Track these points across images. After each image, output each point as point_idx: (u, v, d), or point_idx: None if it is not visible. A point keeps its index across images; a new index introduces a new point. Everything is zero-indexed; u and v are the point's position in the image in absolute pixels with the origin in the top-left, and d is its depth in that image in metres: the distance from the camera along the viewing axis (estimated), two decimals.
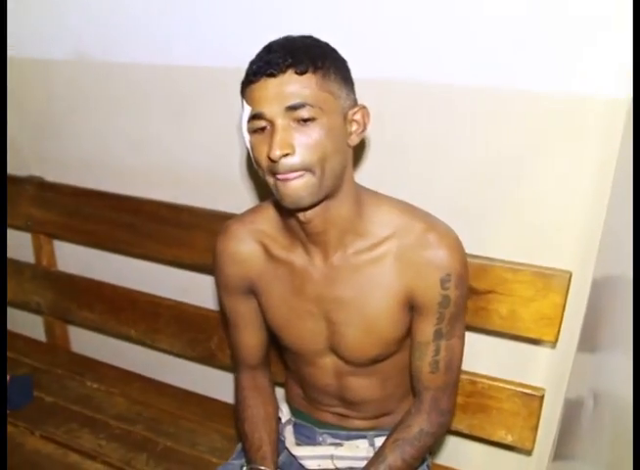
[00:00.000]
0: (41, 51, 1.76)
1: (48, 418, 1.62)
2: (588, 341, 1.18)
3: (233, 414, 1.47)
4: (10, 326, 2.01)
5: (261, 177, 0.97)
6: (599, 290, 1.15)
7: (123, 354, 1.92)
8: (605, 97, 1.15)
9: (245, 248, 1.13)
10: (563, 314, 1.22)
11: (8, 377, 1.67)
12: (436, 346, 1.06)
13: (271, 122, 0.90)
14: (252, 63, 0.93)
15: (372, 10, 1.29)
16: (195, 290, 1.70)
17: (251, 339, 1.22)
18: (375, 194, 1.07)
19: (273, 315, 1.15)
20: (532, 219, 1.28)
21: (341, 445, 1.21)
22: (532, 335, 1.26)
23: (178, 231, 1.59)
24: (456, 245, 1.03)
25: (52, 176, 1.86)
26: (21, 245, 1.96)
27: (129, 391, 1.75)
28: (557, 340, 1.25)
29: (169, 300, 1.70)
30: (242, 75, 1.38)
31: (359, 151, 1.38)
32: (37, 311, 2.00)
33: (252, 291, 1.17)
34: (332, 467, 1.19)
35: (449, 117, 1.29)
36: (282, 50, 0.91)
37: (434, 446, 1.41)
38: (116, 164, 1.75)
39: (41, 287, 1.93)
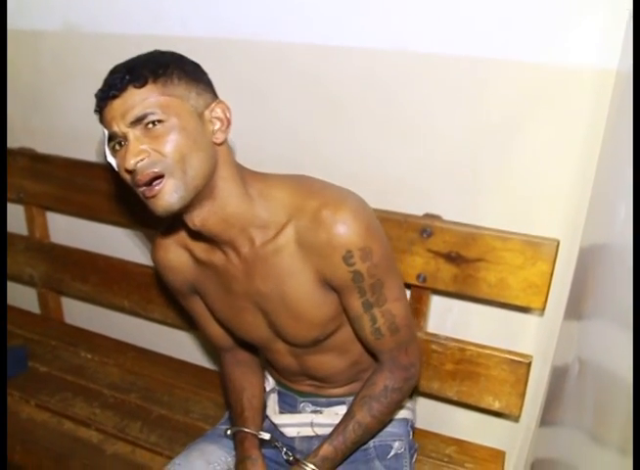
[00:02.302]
0: (29, 23, 1.74)
1: (42, 387, 1.63)
2: (575, 308, 1.20)
3: None
4: None
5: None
6: (586, 258, 1.16)
7: (117, 325, 1.94)
8: (593, 68, 1.15)
9: (173, 256, 1.16)
10: (550, 282, 1.23)
11: None
12: (370, 315, 1.06)
13: (124, 137, 0.92)
14: (98, 92, 0.95)
15: None
16: None
17: (216, 330, 1.27)
18: (264, 178, 1.05)
19: (216, 313, 1.19)
20: (521, 189, 1.28)
21: (320, 412, 1.24)
22: (520, 303, 1.27)
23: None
24: (351, 218, 0.98)
25: (42, 148, 1.85)
26: (13, 217, 1.96)
27: (123, 361, 1.77)
28: (544, 307, 1.27)
29: None
30: (230, 46, 1.38)
31: (346, 122, 1.39)
32: (31, 283, 2.01)
33: (196, 292, 1.20)
34: (312, 434, 1.22)
35: (438, 87, 1.29)
36: (122, 70, 0.94)
37: (422, 409, 1.44)
38: None
39: (34, 259, 1.94)
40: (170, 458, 1.22)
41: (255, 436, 1.19)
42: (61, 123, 1.82)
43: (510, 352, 1.32)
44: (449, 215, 1.31)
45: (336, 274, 1.02)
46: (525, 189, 1.28)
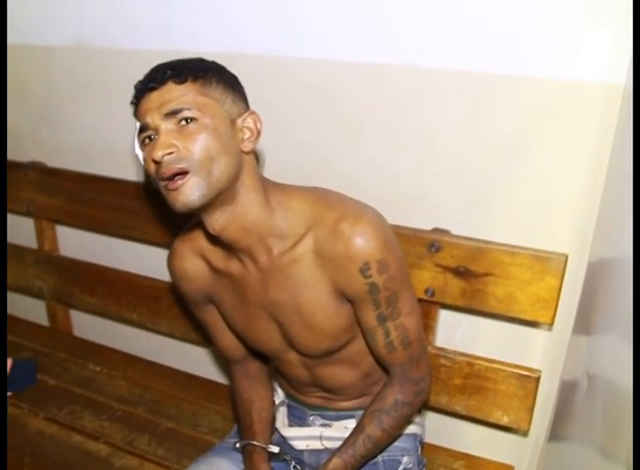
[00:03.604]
0: (41, 38, 1.76)
1: (51, 400, 1.64)
2: (583, 323, 1.20)
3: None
4: (13, 311, 2.03)
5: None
6: (594, 272, 1.16)
7: (125, 338, 1.94)
8: (601, 82, 1.16)
9: (189, 265, 1.16)
10: (559, 297, 1.23)
11: (10, 361, 1.69)
12: (384, 328, 1.07)
13: (156, 131, 0.94)
14: (137, 83, 0.98)
15: None
16: None
17: (227, 340, 1.27)
18: (284, 189, 1.07)
19: (231, 322, 1.20)
20: (529, 203, 1.29)
21: (329, 425, 1.24)
22: (529, 317, 1.27)
23: (179, 215, 1.59)
24: (369, 230, 0.99)
25: (52, 162, 1.86)
26: (23, 230, 1.97)
27: (131, 374, 1.77)
28: (553, 322, 1.27)
29: (170, 283, 1.70)
30: (241, 61, 1.39)
31: (355, 136, 1.40)
32: (40, 296, 2.02)
33: (211, 301, 1.21)
34: (321, 447, 1.22)
35: (444, 102, 1.30)
36: (164, 66, 0.97)
37: (431, 423, 1.44)
38: (116, 150, 1.76)
39: (43, 272, 1.95)
40: None
41: (264, 449, 1.20)
42: (71, 137, 1.83)
43: (518, 367, 1.32)
44: (457, 230, 1.32)
45: (352, 286, 1.02)
46: (534, 204, 1.28)
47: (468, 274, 1.28)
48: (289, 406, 1.30)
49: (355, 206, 1.04)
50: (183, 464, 1.37)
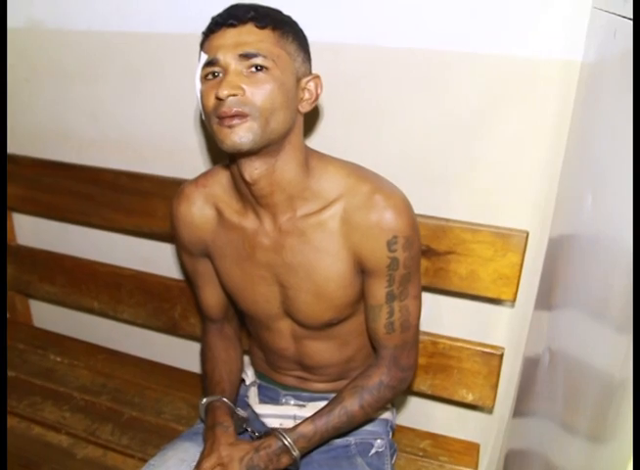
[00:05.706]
0: None
1: (11, 392, 1.59)
2: (544, 299, 1.20)
3: (199, 382, 1.47)
4: None
5: (208, 128, 0.98)
6: (555, 249, 1.17)
7: (86, 327, 1.90)
8: (558, 59, 1.16)
9: (197, 211, 1.14)
10: (520, 273, 1.24)
11: None
12: (390, 308, 1.07)
13: (224, 69, 0.93)
14: (216, 16, 0.96)
15: None
16: (156, 259, 1.68)
17: (211, 297, 1.25)
18: (322, 156, 1.08)
19: (227, 280, 1.17)
20: (489, 181, 1.29)
21: (304, 406, 1.22)
22: (491, 295, 1.28)
23: (138, 200, 1.57)
24: (403, 206, 1.03)
25: (7, 148, 1.81)
26: None
27: (93, 363, 1.74)
28: (515, 299, 1.27)
29: (131, 270, 1.68)
30: (197, 41, 1.36)
31: (314, 117, 1.38)
32: None
33: (207, 254, 1.18)
34: None
35: (406, 81, 1.29)
36: (246, 6, 0.96)
37: (396, 404, 1.44)
38: (73, 135, 1.71)
39: None
40: (143, 461, 1.21)
41: (231, 408, 1.16)
42: (25, 122, 1.78)
43: (482, 345, 1.33)
44: (419, 209, 1.30)
45: (374, 257, 1.03)
46: (494, 181, 1.28)
47: (430, 253, 1.28)
48: (260, 387, 1.29)
49: (388, 183, 1.06)
50: (147, 452, 1.35)
